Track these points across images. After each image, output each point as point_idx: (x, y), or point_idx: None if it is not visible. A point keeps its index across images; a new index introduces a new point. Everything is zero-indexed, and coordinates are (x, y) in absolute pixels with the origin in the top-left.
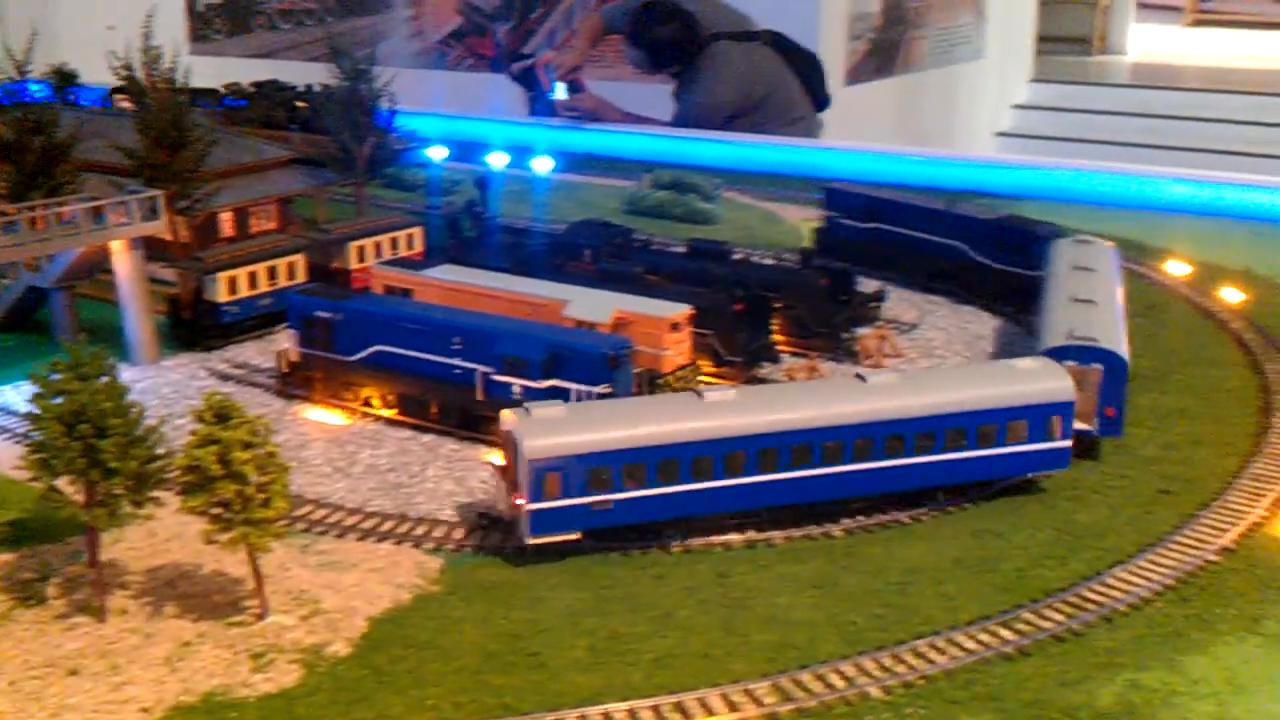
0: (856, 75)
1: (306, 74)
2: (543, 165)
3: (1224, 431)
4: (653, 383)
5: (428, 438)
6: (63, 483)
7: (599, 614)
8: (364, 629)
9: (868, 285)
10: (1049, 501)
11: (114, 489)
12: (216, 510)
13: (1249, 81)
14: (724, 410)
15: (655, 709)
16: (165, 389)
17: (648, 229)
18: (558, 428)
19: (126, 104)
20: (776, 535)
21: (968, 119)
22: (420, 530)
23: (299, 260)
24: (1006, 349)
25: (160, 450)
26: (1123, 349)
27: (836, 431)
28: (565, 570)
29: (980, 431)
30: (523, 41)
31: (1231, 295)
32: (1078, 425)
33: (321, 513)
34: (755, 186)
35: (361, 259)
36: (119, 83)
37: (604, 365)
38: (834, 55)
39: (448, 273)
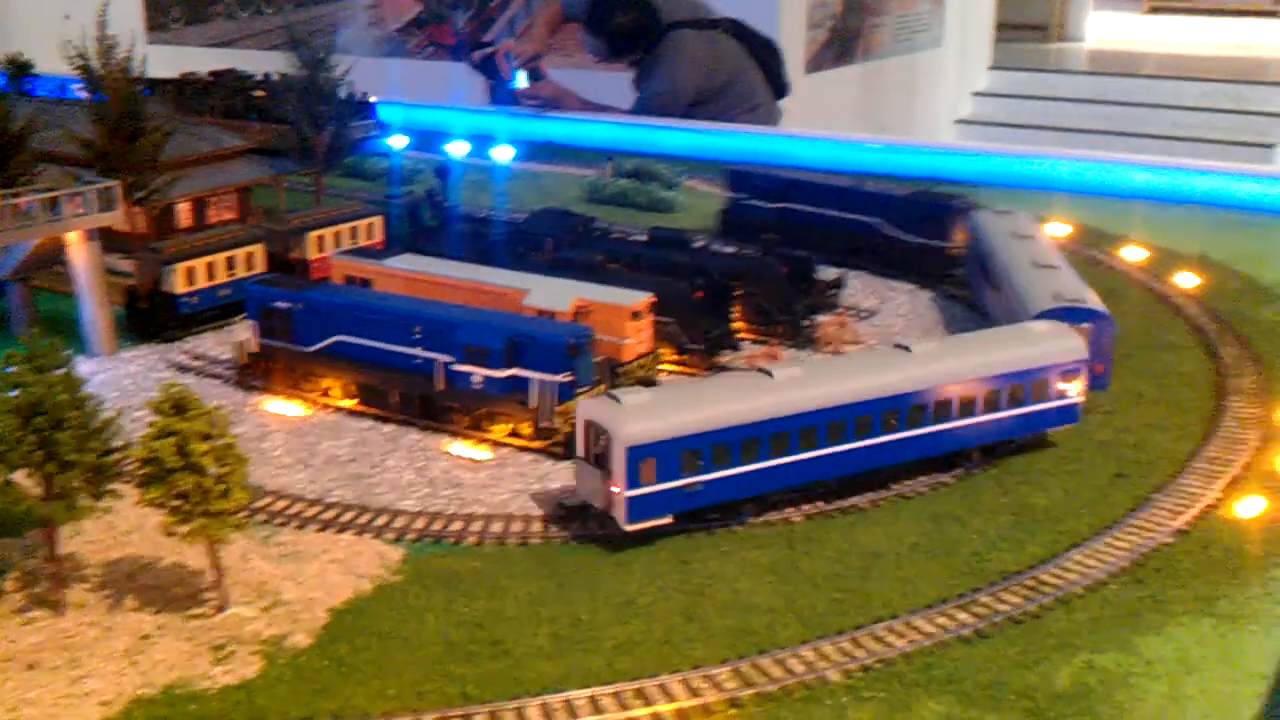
0: (817, 63)
1: (266, 63)
2: (503, 154)
3: (1178, 415)
4: (613, 371)
5: (388, 428)
6: (19, 476)
7: (561, 602)
8: (325, 620)
9: (828, 273)
10: (1006, 486)
11: (72, 482)
12: (175, 502)
13: (1206, 68)
14: (796, 386)
15: (616, 695)
16: (124, 381)
17: (609, 217)
18: (650, 413)
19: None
20: (736, 521)
21: (928, 106)
22: (381, 521)
23: (258, 250)
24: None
25: (118, 442)
26: (1104, 308)
27: (895, 400)
28: (527, 558)
29: (1012, 392)
30: (483, 29)
31: (1187, 280)
32: None
33: (282, 504)
34: (717, 174)
35: (321, 249)
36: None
37: (564, 354)
38: (794, 43)
39: (408, 262)
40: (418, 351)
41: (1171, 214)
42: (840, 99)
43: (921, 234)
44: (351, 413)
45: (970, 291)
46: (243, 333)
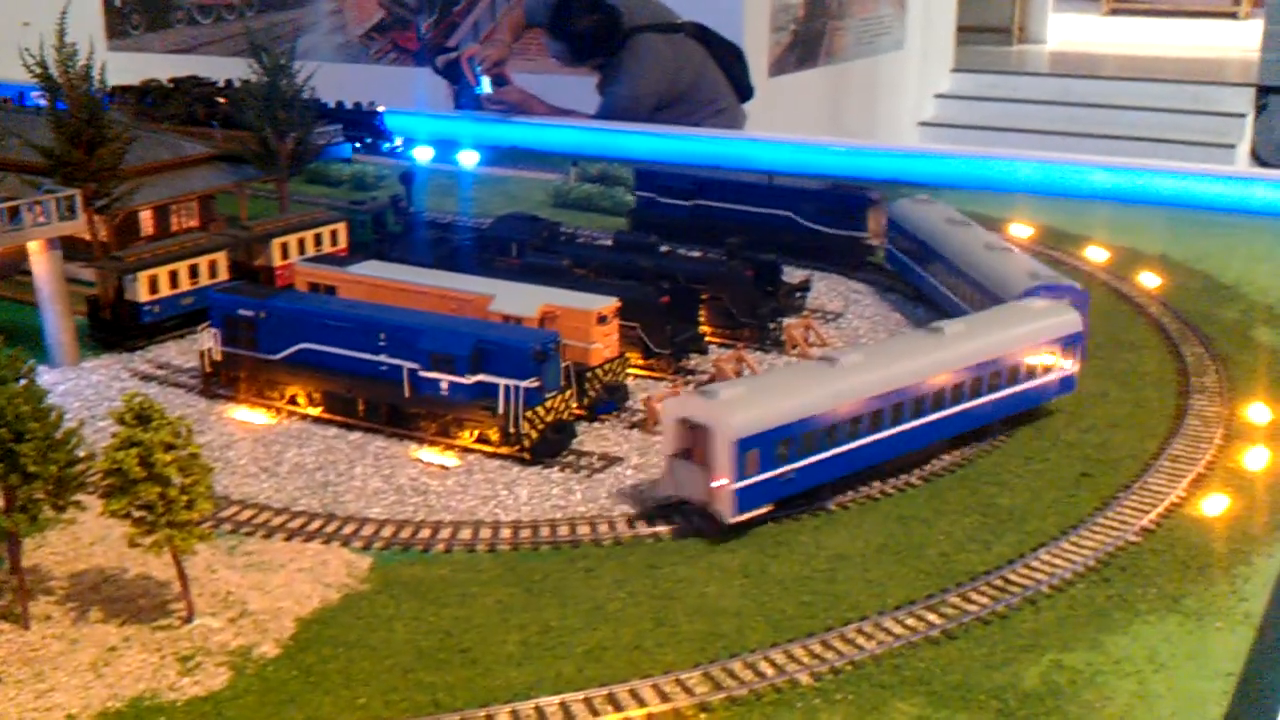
0: (780, 66)
1: (228, 69)
2: (468, 159)
3: (1142, 414)
4: (580, 377)
5: (355, 435)
6: None
7: (530, 609)
8: (292, 629)
9: (793, 276)
10: (972, 487)
11: (34, 493)
12: (140, 513)
13: (1166, 69)
14: (861, 371)
15: (587, 701)
16: (86, 391)
17: (574, 222)
18: (747, 406)
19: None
20: (705, 525)
21: (890, 109)
22: (349, 529)
23: (221, 258)
24: None
25: (81, 453)
26: (1077, 283)
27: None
28: (496, 565)
29: (1027, 366)
30: (446, 35)
31: (1149, 280)
32: None
33: (248, 513)
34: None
35: (285, 256)
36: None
37: (530, 360)
38: (758, 47)
39: (373, 269)
40: (383, 358)
41: (1133, 214)
42: (803, 102)
43: (836, 226)
44: (317, 420)
45: (903, 280)
46: (206, 341)
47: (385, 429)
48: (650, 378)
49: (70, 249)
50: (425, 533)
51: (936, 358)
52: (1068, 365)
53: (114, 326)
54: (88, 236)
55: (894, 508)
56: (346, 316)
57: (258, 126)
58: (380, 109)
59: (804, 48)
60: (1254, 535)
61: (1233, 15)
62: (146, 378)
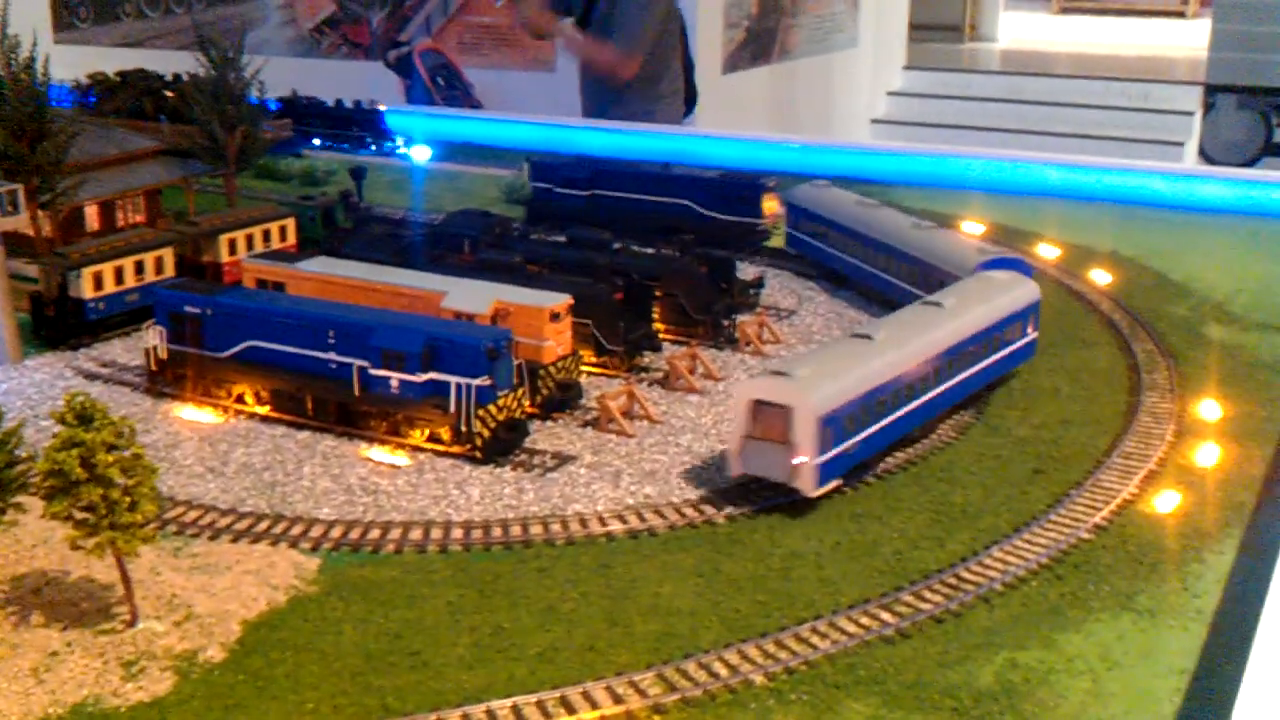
0: (733, 63)
1: (176, 63)
2: (420, 154)
3: (1095, 410)
4: (533, 374)
5: (303, 434)
6: None
7: (482, 610)
8: (239, 633)
9: (747, 273)
10: (925, 484)
11: None
12: (82, 515)
13: (1116, 67)
14: (895, 346)
15: (539, 704)
16: (29, 390)
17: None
18: (821, 384)
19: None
20: (659, 524)
21: (844, 106)
22: (297, 530)
23: (167, 254)
24: None
25: (22, 453)
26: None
27: (959, 347)
28: (447, 566)
29: (1004, 336)
30: (398, 29)
31: (1101, 277)
32: None
33: (194, 514)
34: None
35: (233, 252)
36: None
37: (482, 357)
38: (711, 43)
39: (322, 265)
40: (333, 356)
41: (1084, 211)
42: (756, 99)
43: (731, 212)
44: (265, 419)
45: (809, 262)
46: (151, 338)
47: (335, 428)
48: (604, 375)
49: (13, 245)
50: (375, 533)
51: (950, 328)
52: (1031, 333)
53: (58, 324)
54: (31, 232)
55: (848, 505)
56: (295, 313)
57: (205, 121)
58: (382, 107)
59: (757, 45)
60: (1206, 532)
61: (1181, 14)
62: (91, 376)
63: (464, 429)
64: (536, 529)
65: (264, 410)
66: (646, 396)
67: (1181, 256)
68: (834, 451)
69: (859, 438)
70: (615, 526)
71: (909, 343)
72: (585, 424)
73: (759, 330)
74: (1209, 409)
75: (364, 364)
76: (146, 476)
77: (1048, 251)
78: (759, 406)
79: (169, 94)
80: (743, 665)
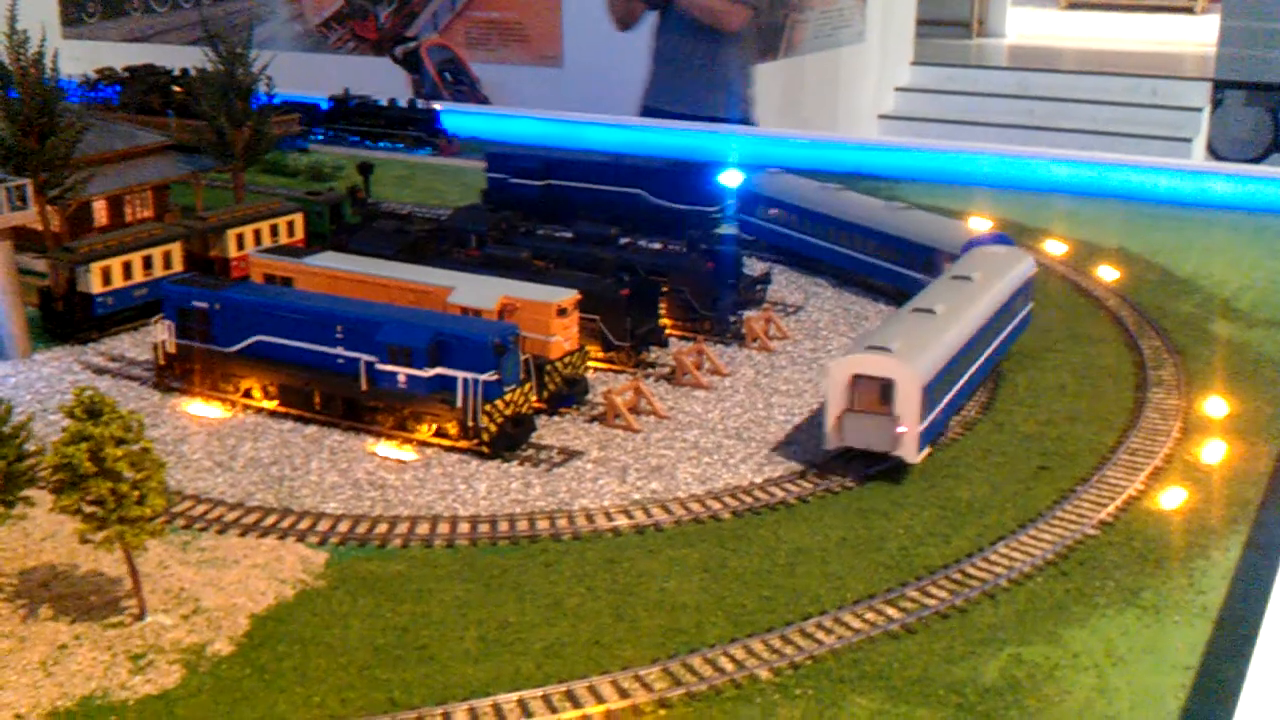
0: None
1: (184, 58)
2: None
3: (1101, 407)
4: (540, 370)
5: (311, 429)
6: None
7: (488, 604)
8: (246, 627)
9: (754, 268)
10: (931, 480)
11: None
12: (90, 509)
13: (1123, 63)
14: (954, 319)
15: (545, 698)
16: (38, 384)
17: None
18: (919, 356)
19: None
20: (665, 519)
21: (851, 102)
22: (304, 524)
23: (175, 249)
24: None
25: (31, 447)
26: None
27: (996, 316)
28: (453, 561)
29: (1016, 307)
30: (406, 24)
31: (1107, 273)
32: None
33: (202, 508)
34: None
35: (240, 247)
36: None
37: (489, 352)
38: None
39: (330, 260)
40: (340, 351)
41: (1091, 208)
42: (764, 94)
43: (682, 201)
44: (273, 414)
45: (769, 246)
46: (160, 333)
47: (342, 422)
48: (610, 371)
49: (22, 239)
50: (382, 528)
51: (988, 300)
52: (1030, 303)
53: (66, 318)
54: (40, 227)
55: (854, 501)
56: (302, 309)
57: (213, 116)
58: (437, 107)
59: (765, 40)
60: (1211, 528)
61: (1189, 10)
62: (99, 370)
63: (471, 424)
64: (543, 524)
65: (271, 405)
66: (653, 392)
67: (1188, 253)
68: (929, 420)
69: (943, 405)
70: (621, 522)
71: (965, 314)
72: (592, 419)
73: (766, 326)
74: (1215, 406)
75: (371, 359)
76: (155, 471)
77: (1055, 248)
78: (859, 380)
79: (177, 89)
80: (748, 660)
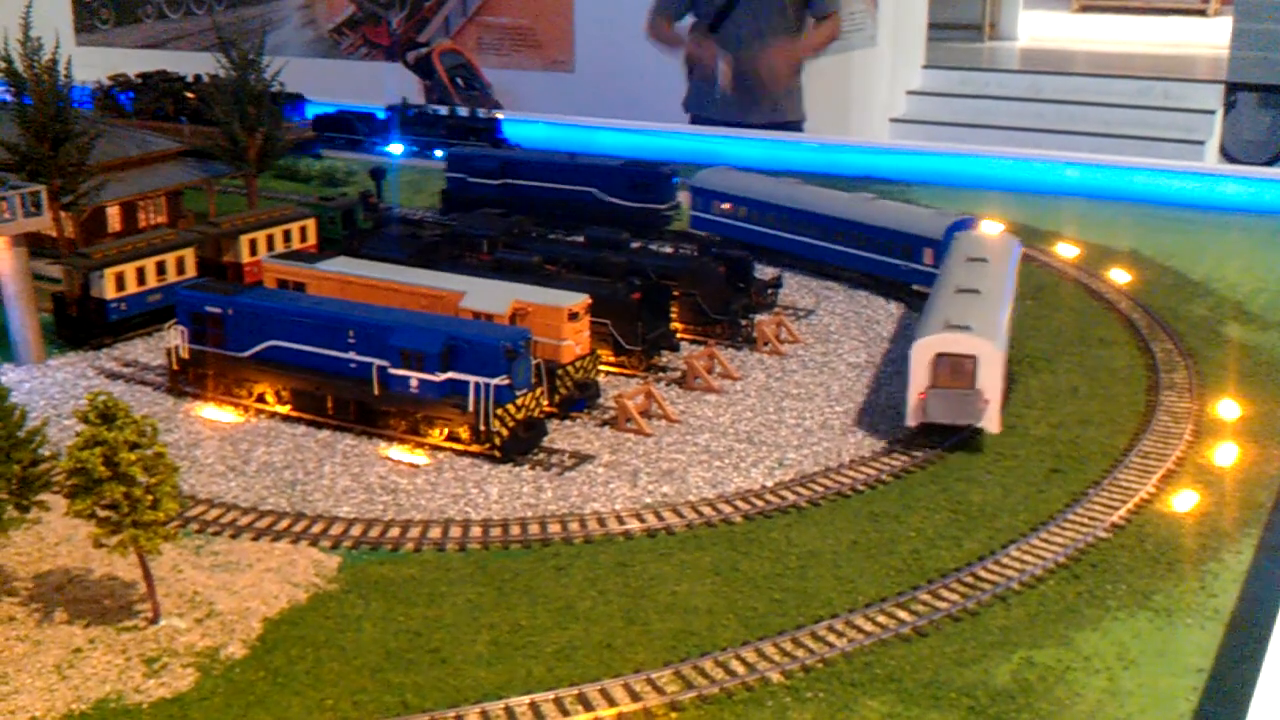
0: None
1: (197, 64)
2: (439, 154)
3: (1113, 410)
4: (551, 374)
5: (324, 433)
6: None
7: (500, 608)
8: (260, 630)
9: (765, 273)
10: (943, 483)
11: None
12: (105, 513)
13: (1136, 66)
14: (994, 296)
15: (557, 701)
16: (52, 389)
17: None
18: (994, 329)
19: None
20: (677, 523)
21: (863, 105)
22: (317, 528)
23: (189, 254)
24: (905, 332)
25: (46, 452)
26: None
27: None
28: (466, 565)
29: (1017, 284)
30: (418, 30)
31: (1119, 276)
32: None
33: (215, 513)
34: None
35: (253, 252)
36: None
37: (501, 357)
38: None
39: (342, 265)
40: (353, 355)
41: (1103, 210)
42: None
43: (635, 199)
44: (286, 419)
45: (724, 239)
46: (173, 338)
47: (354, 427)
48: (622, 375)
49: (36, 245)
50: (395, 532)
51: (1008, 279)
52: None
53: (80, 324)
54: (54, 233)
55: (865, 504)
56: (315, 313)
57: (226, 122)
58: (499, 115)
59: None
60: (1224, 531)
61: (1201, 13)
62: (113, 375)
63: (483, 428)
64: (555, 528)
65: (284, 409)
66: (664, 396)
67: (1201, 256)
68: (1001, 393)
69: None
70: (633, 525)
71: (1001, 292)
72: (603, 423)
73: (777, 330)
74: (1228, 408)
75: (383, 364)
76: (168, 475)
77: (1067, 250)
78: (941, 359)
79: (190, 95)
80: (760, 663)
